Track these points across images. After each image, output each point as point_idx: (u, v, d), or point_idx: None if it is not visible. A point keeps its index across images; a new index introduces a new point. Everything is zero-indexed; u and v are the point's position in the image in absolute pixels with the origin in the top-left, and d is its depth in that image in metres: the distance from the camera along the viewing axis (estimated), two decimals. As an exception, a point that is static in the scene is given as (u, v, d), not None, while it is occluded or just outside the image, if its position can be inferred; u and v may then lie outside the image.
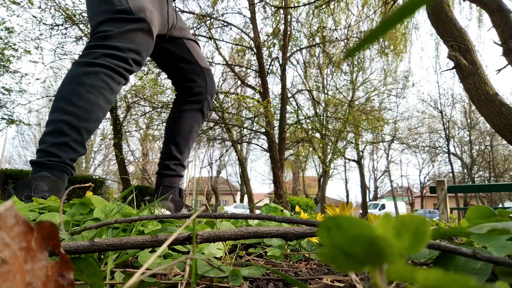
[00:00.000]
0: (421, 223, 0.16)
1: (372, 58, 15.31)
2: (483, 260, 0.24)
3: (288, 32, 10.09)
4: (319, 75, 13.46)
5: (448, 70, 3.93)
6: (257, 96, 10.69)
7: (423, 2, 0.10)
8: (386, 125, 13.05)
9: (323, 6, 8.68)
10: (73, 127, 1.23)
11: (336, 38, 10.78)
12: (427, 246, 0.30)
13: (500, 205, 18.99)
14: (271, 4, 9.45)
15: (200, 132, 11.31)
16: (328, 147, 14.02)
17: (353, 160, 19.77)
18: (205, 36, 9.57)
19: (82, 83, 1.26)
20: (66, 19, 9.03)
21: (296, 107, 11.97)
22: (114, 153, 12.61)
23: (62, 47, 9.59)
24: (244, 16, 10.03)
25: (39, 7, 8.80)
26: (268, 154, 10.69)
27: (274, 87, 29.43)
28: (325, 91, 13.02)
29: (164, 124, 11.31)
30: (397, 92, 16.60)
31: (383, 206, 24.91)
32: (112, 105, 1.39)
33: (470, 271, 0.38)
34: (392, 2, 7.16)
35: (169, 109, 10.47)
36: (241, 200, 26.85)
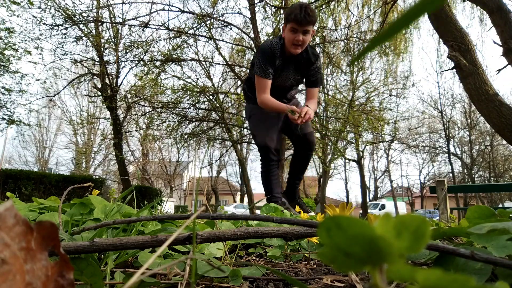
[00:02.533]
0: (421, 223, 0.16)
1: (373, 58, 15.31)
2: (481, 261, 0.24)
3: (288, 32, 10.06)
4: (319, 75, 13.43)
5: (448, 70, 3.93)
6: (257, 96, 10.65)
7: (428, 7, 0.10)
8: (386, 125, 13.05)
9: (323, 6, 8.69)
10: (272, 196, 2.83)
11: (336, 38, 10.78)
12: (426, 247, 0.30)
13: (500, 205, 18.98)
14: (271, 4, 9.46)
15: (200, 132, 11.32)
16: (328, 147, 14.01)
17: (353, 160, 19.78)
18: (205, 36, 9.57)
19: (263, 176, 2.98)
20: (66, 19, 9.03)
21: (296, 107, 11.94)
22: (114, 153, 12.60)
23: (62, 47, 9.59)
24: (244, 16, 10.03)
25: (39, 7, 8.80)
26: (268, 154, 10.66)
27: (274, 87, 29.31)
28: (325, 91, 13.02)
29: (164, 124, 11.38)
30: (397, 92, 16.61)
31: (383, 206, 24.91)
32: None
33: (470, 271, 0.38)
34: (392, 2, 7.16)
35: (169, 109, 10.52)
36: (241, 200, 26.85)
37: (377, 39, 0.09)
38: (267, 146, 2.76)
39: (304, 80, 2.83)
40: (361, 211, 19.57)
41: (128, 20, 9.34)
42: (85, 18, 9.18)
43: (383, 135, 14.22)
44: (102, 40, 9.72)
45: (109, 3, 9.53)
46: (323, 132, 11.97)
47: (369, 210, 21.13)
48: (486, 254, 0.24)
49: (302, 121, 2.37)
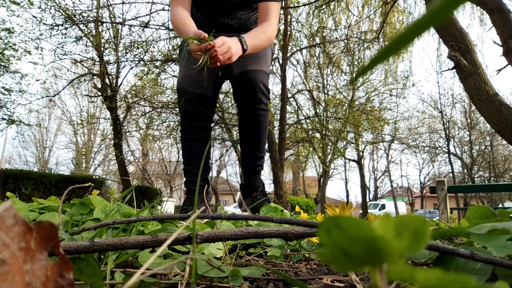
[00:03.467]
0: (421, 223, 0.16)
1: (373, 58, 15.26)
2: (480, 261, 0.24)
3: (288, 32, 10.08)
4: (319, 75, 13.46)
5: (448, 70, 3.93)
6: (257, 96, 10.65)
7: (431, 22, 0.10)
8: (386, 125, 13.04)
9: (323, 6, 8.69)
10: (186, 170, 1.91)
11: (336, 38, 10.79)
12: (426, 247, 0.30)
13: (500, 205, 18.99)
14: (271, 4, 9.43)
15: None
16: (328, 147, 14.01)
17: (353, 160, 19.77)
18: (205, 36, 9.56)
19: (182, 147, 2.02)
20: (66, 19, 9.03)
21: (296, 107, 11.98)
22: (114, 153, 12.60)
23: (62, 47, 9.59)
24: (244, 16, 10.01)
25: (39, 7, 8.80)
26: (268, 154, 10.69)
27: (274, 87, 29.41)
28: (325, 91, 13.02)
29: (164, 124, 11.39)
30: (397, 92, 16.62)
31: (383, 206, 24.90)
32: (206, 144, 1.90)
33: (470, 271, 0.38)
34: (392, 2, 7.16)
35: (169, 109, 10.52)
36: (241, 200, 26.79)
37: (379, 56, 0.09)
38: (183, 89, 1.77)
39: None
40: (361, 211, 19.56)
41: (128, 20, 9.34)
42: (85, 18, 9.18)
43: (383, 135, 14.22)
44: (102, 40, 9.71)
45: (109, 3, 9.53)
46: (323, 132, 11.97)
47: (369, 210, 21.13)
48: (486, 254, 0.24)
49: (217, 60, 1.41)
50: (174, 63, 9.89)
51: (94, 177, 13.30)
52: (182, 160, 1.93)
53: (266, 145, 10.52)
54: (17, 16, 9.17)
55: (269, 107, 1.91)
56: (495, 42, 3.82)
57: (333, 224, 0.16)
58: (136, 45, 9.28)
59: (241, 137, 1.97)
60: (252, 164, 1.98)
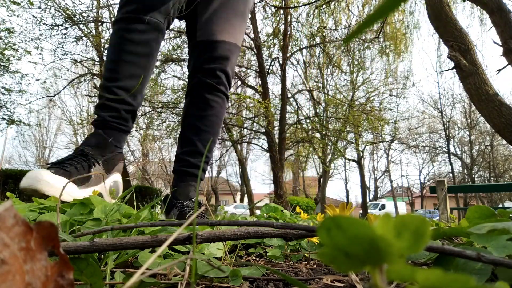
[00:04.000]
0: (421, 224, 0.16)
1: (373, 58, 15.32)
2: (487, 262, 0.24)
3: (288, 32, 10.09)
4: (319, 75, 13.47)
5: (448, 70, 3.93)
6: (257, 96, 10.68)
7: None
8: (386, 125, 13.05)
9: (324, 6, 8.69)
10: (105, 88, 1.26)
11: (336, 38, 10.79)
12: (430, 250, 0.30)
13: (500, 205, 18.99)
14: (271, 4, 9.46)
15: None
16: (328, 147, 14.02)
17: (353, 160, 19.76)
18: (205, 36, 9.56)
19: (108, 48, 1.34)
20: (66, 19, 9.04)
21: (296, 107, 11.98)
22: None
23: (62, 47, 9.59)
24: (244, 16, 10.02)
25: (39, 7, 8.81)
26: (268, 154, 10.69)
27: (274, 87, 29.45)
28: (325, 91, 13.02)
29: (164, 124, 11.39)
30: (397, 92, 16.62)
31: (383, 206, 24.90)
32: (151, 54, 1.31)
33: (470, 271, 0.38)
34: (392, 2, 7.17)
35: (169, 109, 10.53)
36: (241, 200, 26.84)
37: (372, 16, 0.09)
38: None
39: None
40: (361, 211, 19.56)
41: (128, 20, 9.33)
42: (85, 18, 9.19)
43: (383, 135, 14.22)
44: (102, 40, 9.72)
45: (109, 3, 9.54)
46: (323, 132, 11.97)
47: (369, 210, 21.13)
48: (493, 256, 0.24)
49: None
50: (174, 63, 9.90)
51: (94, 177, 13.27)
52: (104, 68, 1.32)
53: (266, 144, 10.53)
54: (17, 16, 9.17)
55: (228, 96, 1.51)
56: (495, 42, 3.82)
57: (333, 224, 0.16)
58: (136, 45, 9.28)
59: (185, 116, 1.48)
60: (188, 162, 1.40)
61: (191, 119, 1.45)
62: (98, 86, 10.66)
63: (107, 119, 1.25)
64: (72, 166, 1.11)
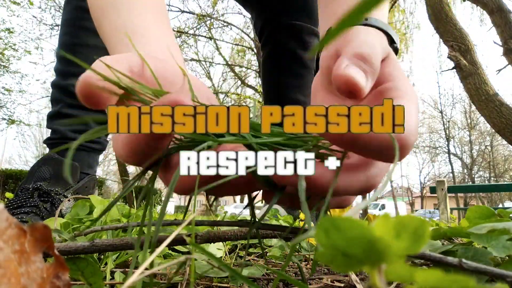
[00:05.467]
0: (420, 224, 0.16)
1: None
2: (469, 270, 0.24)
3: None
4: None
5: (448, 70, 3.94)
6: (257, 96, 10.69)
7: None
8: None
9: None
10: (61, 87, 0.88)
11: (336, 38, 10.80)
12: (411, 256, 0.30)
13: (500, 205, 18.99)
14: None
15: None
16: (328, 147, 13.99)
17: (353, 160, 19.73)
18: (205, 36, 9.58)
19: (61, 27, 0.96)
20: (66, 19, 9.03)
21: (296, 107, 11.93)
22: (114, 153, 12.59)
23: (62, 47, 9.59)
24: (244, 16, 10.04)
25: (39, 7, 8.81)
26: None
27: (274, 87, 29.30)
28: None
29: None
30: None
31: (383, 206, 24.91)
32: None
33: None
34: (392, 2, 7.16)
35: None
36: (241, 200, 26.84)
37: (353, 13, 0.09)
38: None
39: None
40: (361, 211, 19.53)
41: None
42: (85, 18, 9.18)
43: (383, 135, 14.21)
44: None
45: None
46: (323, 132, 11.97)
47: (369, 210, 21.12)
48: (475, 263, 0.24)
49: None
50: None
51: (94, 177, 13.29)
52: (56, 57, 0.98)
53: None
54: (17, 16, 9.18)
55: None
56: (495, 42, 3.82)
57: (331, 225, 0.16)
58: (136, 45, 9.29)
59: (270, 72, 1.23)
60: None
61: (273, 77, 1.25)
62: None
63: (67, 135, 0.90)
64: (32, 213, 0.80)
